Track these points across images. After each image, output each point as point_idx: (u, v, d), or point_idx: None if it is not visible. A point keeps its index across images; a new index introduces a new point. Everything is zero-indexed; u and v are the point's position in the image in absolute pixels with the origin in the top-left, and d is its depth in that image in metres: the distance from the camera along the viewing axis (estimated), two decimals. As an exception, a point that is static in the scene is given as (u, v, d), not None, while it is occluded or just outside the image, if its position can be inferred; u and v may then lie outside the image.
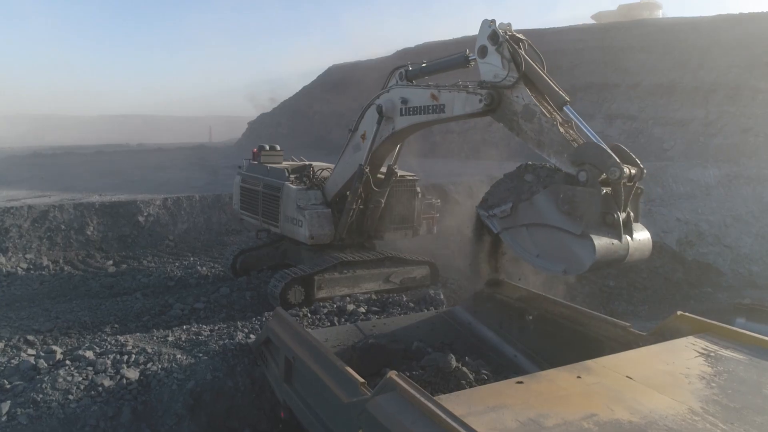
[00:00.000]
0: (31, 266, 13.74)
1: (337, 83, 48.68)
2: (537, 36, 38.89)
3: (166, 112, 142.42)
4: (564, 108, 6.30)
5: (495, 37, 6.57)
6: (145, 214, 16.65)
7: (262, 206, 11.94)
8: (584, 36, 36.32)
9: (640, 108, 29.39)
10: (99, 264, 14.44)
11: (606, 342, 6.14)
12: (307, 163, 12.12)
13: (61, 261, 14.40)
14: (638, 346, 5.64)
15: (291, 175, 11.27)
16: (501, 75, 6.51)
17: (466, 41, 6.98)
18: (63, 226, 15.39)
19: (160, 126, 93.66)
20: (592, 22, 46.05)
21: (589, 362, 4.73)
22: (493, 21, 6.68)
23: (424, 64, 9.26)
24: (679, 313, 5.79)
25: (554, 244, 5.64)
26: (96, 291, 12.14)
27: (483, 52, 6.83)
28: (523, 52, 6.46)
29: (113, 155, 38.15)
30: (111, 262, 14.62)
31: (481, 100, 6.75)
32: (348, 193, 10.31)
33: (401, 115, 8.69)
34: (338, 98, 45.63)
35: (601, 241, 5.28)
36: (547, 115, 6.10)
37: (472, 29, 6.82)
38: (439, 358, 6.57)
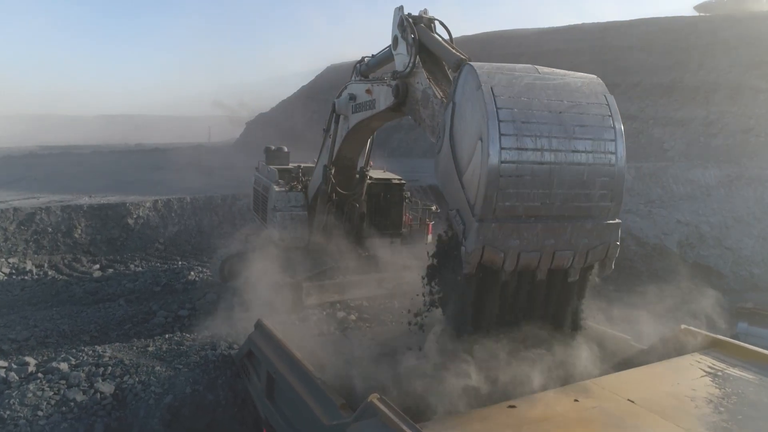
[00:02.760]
0: (14, 271, 13.36)
1: (335, 83, 48.37)
2: (537, 36, 38.89)
3: (165, 112, 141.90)
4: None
5: (402, 23, 6.29)
6: (135, 216, 16.27)
7: (261, 207, 11.66)
8: (584, 36, 35.99)
9: (640, 108, 29.06)
10: (85, 268, 14.06)
11: (605, 356, 5.80)
12: (297, 164, 11.76)
13: (45, 265, 14.02)
14: (639, 361, 5.31)
15: (280, 177, 10.95)
16: (407, 62, 6.25)
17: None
18: (50, 229, 15.02)
19: (159, 126, 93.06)
20: (696, 13, 39.02)
21: (588, 383, 4.40)
22: (401, 8, 6.40)
23: (371, 57, 8.57)
24: (683, 326, 5.45)
25: (467, 146, 4.63)
26: (79, 297, 11.77)
27: (395, 42, 6.60)
28: (436, 34, 6.14)
29: (110, 155, 37.83)
30: (97, 266, 14.24)
31: (392, 92, 6.47)
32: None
33: (353, 112, 8.29)
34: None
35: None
36: (439, 96, 5.76)
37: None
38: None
